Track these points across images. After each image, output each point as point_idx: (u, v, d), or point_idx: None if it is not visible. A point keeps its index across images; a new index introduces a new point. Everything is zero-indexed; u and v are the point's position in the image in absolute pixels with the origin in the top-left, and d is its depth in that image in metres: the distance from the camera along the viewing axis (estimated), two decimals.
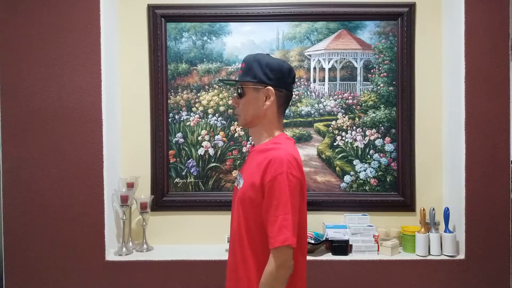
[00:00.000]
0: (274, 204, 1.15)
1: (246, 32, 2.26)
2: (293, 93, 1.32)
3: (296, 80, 2.25)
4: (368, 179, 2.25)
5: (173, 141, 2.26)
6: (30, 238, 2.00)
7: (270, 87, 1.27)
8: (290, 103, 2.20)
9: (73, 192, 2.01)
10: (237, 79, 1.37)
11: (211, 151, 2.26)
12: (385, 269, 2.02)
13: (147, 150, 2.25)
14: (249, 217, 1.21)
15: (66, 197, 2.00)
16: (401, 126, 2.22)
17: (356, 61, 2.26)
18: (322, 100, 2.26)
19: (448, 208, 2.09)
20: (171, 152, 2.27)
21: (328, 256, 2.05)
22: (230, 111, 2.26)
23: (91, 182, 2.01)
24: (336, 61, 2.26)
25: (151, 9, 2.22)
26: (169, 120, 2.26)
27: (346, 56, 2.25)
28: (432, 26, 2.23)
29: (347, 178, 2.24)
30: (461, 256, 2.03)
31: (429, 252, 2.06)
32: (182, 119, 2.27)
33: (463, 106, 2.02)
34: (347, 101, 2.26)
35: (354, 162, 2.25)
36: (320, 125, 2.26)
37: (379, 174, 2.25)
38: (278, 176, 1.15)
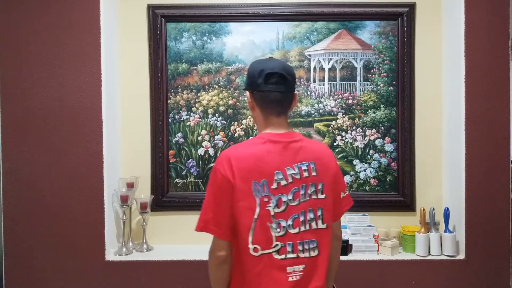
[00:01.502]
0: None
1: (246, 32, 2.26)
2: (271, 91, 1.28)
3: (296, 80, 2.24)
4: (368, 179, 2.25)
5: (173, 141, 2.27)
6: (30, 238, 2.00)
7: (247, 92, 1.36)
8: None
9: (73, 192, 2.01)
10: None
11: (211, 151, 2.26)
12: (385, 269, 2.02)
13: (147, 150, 2.25)
14: None
15: (66, 197, 2.00)
16: (401, 126, 2.22)
17: (356, 61, 2.26)
18: (322, 100, 2.26)
19: (448, 208, 2.09)
20: (171, 152, 2.27)
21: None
22: (230, 111, 2.27)
23: (91, 182, 2.01)
24: (336, 61, 2.26)
25: (151, 9, 2.22)
26: (169, 120, 2.26)
27: (346, 56, 2.25)
28: (432, 26, 2.23)
29: (347, 178, 2.24)
30: (461, 256, 2.03)
31: (429, 252, 2.06)
32: (182, 119, 2.27)
33: (463, 106, 2.02)
34: (347, 101, 2.26)
35: (354, 162, 2.25)
36: (320, 125, 2.26)
37: (379, 174, 2.25)
38: (211, 171, 1.28)
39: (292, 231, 1.24)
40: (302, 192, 1.25)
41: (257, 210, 1.23)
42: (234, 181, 1.23)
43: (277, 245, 1.23)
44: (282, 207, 1.24)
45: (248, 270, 1.25)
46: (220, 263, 1.29)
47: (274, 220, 1.23)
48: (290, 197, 1.24)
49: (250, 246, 1.23)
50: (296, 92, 1.40)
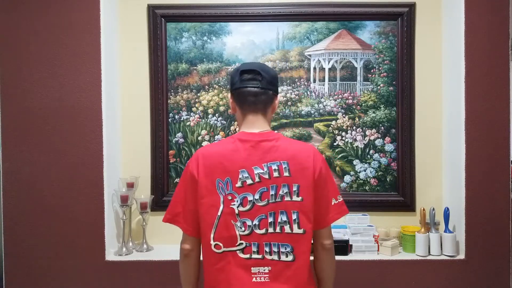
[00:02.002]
0: None
1: (246, 32, 2.26)
2: (245, 86, 1.30)
3: (296, 80, 2.25)
4: (368, 179, 2.25)
5: (173, 141, 2.27)
6: (30, 238, 2.00)
7: (229, 94, 1.39)
8: (290, 103, 2.23)
9: (73, 192, 2.01)
10: None
11: None
12: (385, 269, 2.02)
13: (147, 150, 2.25)
14: None
15: (66, 197, 2.01)
16: (401, 126, 2.22)
17: (356, 61, 2.26)
18: (322, 100, 2.26)
19: (448, 208, 2.09)
20: (171, 152, 2.27)
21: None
22: (230, 111, 2.26)
23: (91, 182, 2.01)
24: (336, 61, 2.26)
25: (151, 9, 2.22)
26: (169, 120, 2.26)
27: (346, 56, 2.25)
28: (432, 26, 2.23)
29: (347, 178, 2.24)
30: (461, 256, 2.03)
31: (429, 252, 2.06)
32: (182, 119, 2.27)
33: (463, 106, 2.02)
34: (347, 101, 2.26)
35: (354, 162, 2.25)
36: (320, 125, 2.26)
37: (379, 174, 2.25)
38: None
39: (258, 231, 1.22)
40: (272, 192, 1.23)
41: (221, 207, 1.23)
42: (199, 177, 1.25)
43: (241, 243, 1.22)
44: (248, 206, 1.23)
45: (210, 265, 1.26)
46: (184, 256, 1.34)
47: (238, 218, 1.23)
48: (256, 196, 1.23)
49: (212, 242, 1.24)
50: (279, 94, 1.39)
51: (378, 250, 2.09)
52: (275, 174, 1.23)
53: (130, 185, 2.16)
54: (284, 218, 1.23)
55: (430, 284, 2.01)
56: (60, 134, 2.01)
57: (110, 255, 2.06)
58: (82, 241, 2.00)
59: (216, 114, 2.27)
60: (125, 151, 2.26)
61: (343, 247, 2.04)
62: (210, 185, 1.24)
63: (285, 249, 1.23)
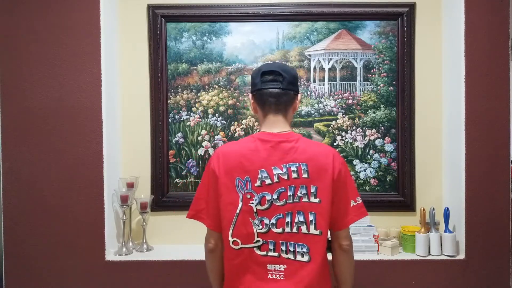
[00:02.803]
0: None
1: (246, 32, 2.26)
2: (267, 88, 1.32)
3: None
4: (368, 179, 2.25)
5: (173, 141, 2.27)
6: (30, 238, 2.00)
7: (250, 95, 1.41)
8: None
9: (73, 192, 2.01)
10: None
11: (211, 151, 2.26)
12: (385, 269, 2.02)
13: (147, 150, 2.25)
14: None
15: (66, 197, 2.01)
16: (401, 126, 2.22)
17: (356, 61, 2.26)
18: (322, 100, 2.26)
19: (448, 208, 2.09)
20: (171, 152, 2.27)
21: (328, 256, 2.04)
22: (230, 111, 2.27)
23: (91, 182, 2.01)
24: (336, 61, 2.26)
25: (151, 9, 2.22)
26: (169, 120, 2.26)
27: (346, 56, 2.25)
28: (432, 26, 2.23)
29: None
30: (461, 256, 2.03)
31: (429, 252, 2.06)
32: (182, 119, 2.27)
33: (463, 106, 2.02)
34: (347, 101, 2.26)
35: (354, 162, 2.25)
36: (320, 125, 2.26)
37: (379, 174, 2.25)
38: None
39: (275, 230, 1.24)
40: (290, 193, 1.24)
41: (240, 205, 1.25)
42: (219, 175, 1.28)
43: (258, 241, 1.25)
44: (266, 205, 1.25)
45: (228, 260, 1.29)
46: (208, 252, 1.38)
47: (256, 216, 1.25)
48: (275, 196, 1.25)
49: (230, 239, 1.26)
50: (299, 93, 1.41)
51: (378, 250, 2.09)
52: (294, 175, 1.25)
53: (130, 185, 2.16)
54: (301, 219, 1.25)
55: (430, 284, 2.01)
56: (60, 134, 2.01)
57: (110, 255, 2.06)
58: (82, 241, 2.00)
59: (216, 114, 2.27)
60: (125, 151, 2.26)
61: None
62: (230, 183, 1.27)
63: (301, 249, 1.25)
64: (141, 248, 2.14)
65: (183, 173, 2.26)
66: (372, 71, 2.25)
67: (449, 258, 2.03)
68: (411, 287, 2.01)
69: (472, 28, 2.01)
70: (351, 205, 1.32)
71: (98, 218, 2.01)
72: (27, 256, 2.01)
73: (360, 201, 1.35)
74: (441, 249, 2.06)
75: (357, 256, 2.03)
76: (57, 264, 2.01)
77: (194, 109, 2.27)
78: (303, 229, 1.24)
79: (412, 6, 2.21)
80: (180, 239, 2.24)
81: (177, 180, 2.26)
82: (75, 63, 2.01)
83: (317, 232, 1.25)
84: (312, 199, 1.25)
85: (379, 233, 2.14)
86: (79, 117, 2.01)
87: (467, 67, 2.01)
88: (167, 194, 2.26)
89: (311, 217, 1.24)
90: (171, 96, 2.26)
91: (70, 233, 2.00)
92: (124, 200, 2.09)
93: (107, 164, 2.03)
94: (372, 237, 2.09)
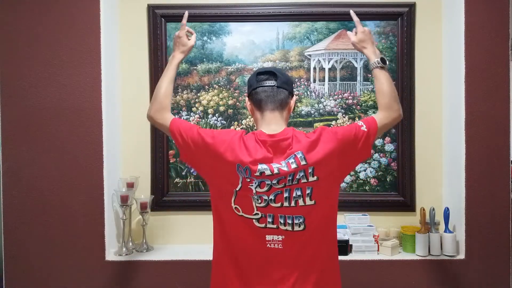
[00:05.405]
0: None
1: (246, 32, 2.26)
2: (262, 86, 1.37)
3: (296, 80, 2.25)
4: (368, 179, 2.25)
5: (173, 141, 2.26)
6: (30, 238, 2.00)
7: (247, 98, 1.45)
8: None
9: (73, 192, 2.01)
10: None
11: None
12: (385, 269, 2.02)
13: (147, 150, 2.25)
14: None
15: (66, 197, 2.01)
16: (401, 126, 2.22)
17: (356, 61, 2.26)
18: (322, 100, 2.26)
19: (448, 208, 2.09)
20: (171, 152, 2.27)
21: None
22: (230, 111, 2.27)
23: (91, 182, 2.01)
24: (336, 61, 2.26)
25: (151, 9, 2.22)
26: None
27: (346, 56, 2.25)
28: (432, 26, 2.23)
29: (347, 178, 2.24)
30: (461, 256, 2.04)
31: (429, 252, 2.06)
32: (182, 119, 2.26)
33: (463, 106, 2.02)
34: (347, 101, 2.26)
35: None
36: (320, 125, 2.26)
37: (379, 174, 2.25)
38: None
39: (273, 204, 1.28)
40: (289, 178, 1.28)
41: (239, 185, 1.29)
42: (225, 151, 1.30)
43: (257, 213, 1.29)
44: (265, 188, 1.28)
45: (229, 223, 1.33)
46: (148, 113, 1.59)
47: (256, 194, 1.29)
48: (274, 181, 1.28)
49: (233, 205, 1.30)
50: (295, 95, 1.44)
51: (378, 250, 2.09)
52: (293, 166, 1.28)
53: (130, 185, 2.16)
54: (299, 193, 1.29)
55: (430, 284, 2.01)
56: (60, 134, 2.01)
57: (110, 255, 2.06)
58: (82, 241, 2.00)
59: (216, 114, 2.27)
60: (125, 151, 2.26)
61: (343, 247, 2.04)
62: (231, 164, 1.29)
63: (298, 220, 1.29)
64: (141, 248, 2.14)
65: (183, 173, 2.26)
66: None
67: (449, 258, 2.03)
68: (411, 287, 2.01)
69: (472, 28, 2.01)
70: (360, 124, 1.37)
71: (98, 218, 2.01)
72: (27, 256, 2.01)
73: (362, 123, 1.39)
74: (441, 249, 2.06)
75: (357, 256, 2.06)
76: (57, 264, 2.01)
77: (194, 109, 2.27)
78: (300, 202, 1.29)
79: (412, 6, 2.21)
80: (180, 239, 2.24)
81: (177, 180, 2.26)
82: (75, 63, 2.01)
83: (312, 202, 1.29)
84: (311, 178, 1.28)
85: (379, 233, 2.14)
86: (79, 117, 2.01)
87: (467, 67, 2.01)
88: (167, 194, 2.26)
89: (307, 191, 1.29)
90: None
91: (70, 233, 2.00)
92: (124, 200, 2.09)
93: (107, 164, 2.03)
94: (372, 237, 2.09)
